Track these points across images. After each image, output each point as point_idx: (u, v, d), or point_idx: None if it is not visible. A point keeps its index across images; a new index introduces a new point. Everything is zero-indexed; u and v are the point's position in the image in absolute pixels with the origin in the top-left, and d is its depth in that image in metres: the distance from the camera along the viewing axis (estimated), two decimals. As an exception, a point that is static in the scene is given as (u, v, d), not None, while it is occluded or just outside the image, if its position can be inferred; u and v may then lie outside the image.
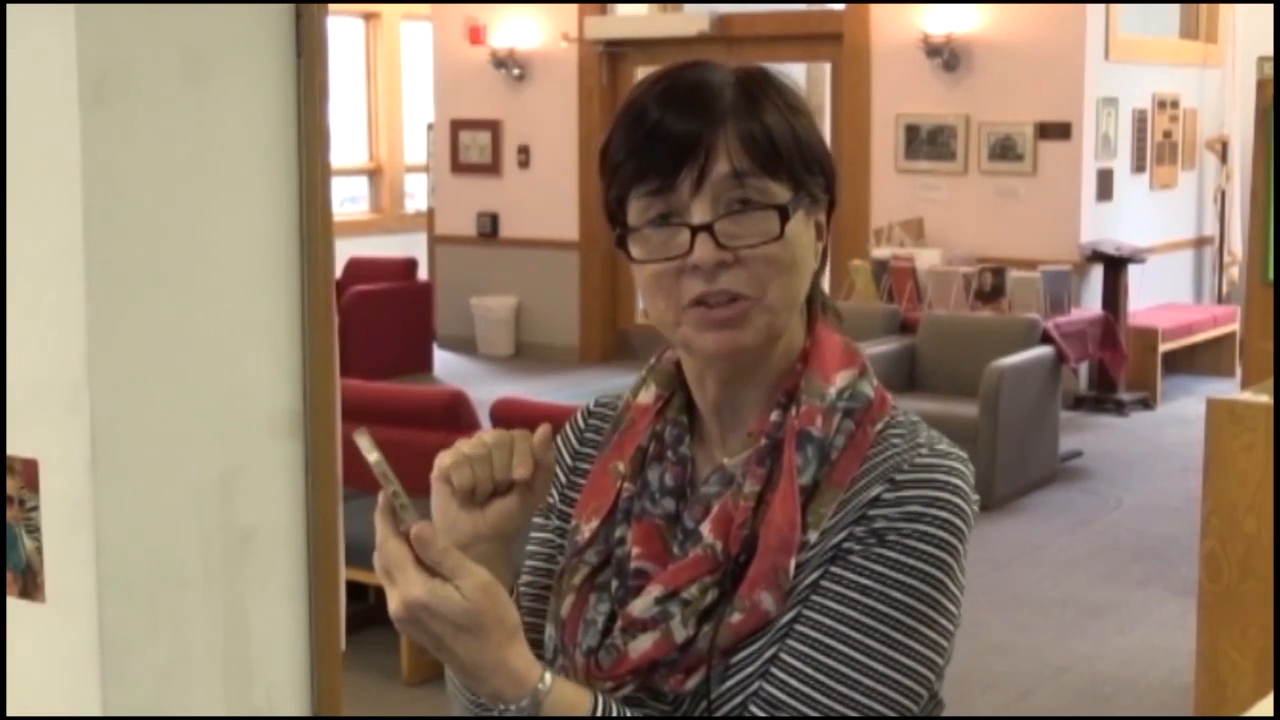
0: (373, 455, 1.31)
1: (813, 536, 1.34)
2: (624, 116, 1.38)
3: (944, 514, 1.33)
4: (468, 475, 1.36)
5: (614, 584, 1.41)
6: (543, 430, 1.39)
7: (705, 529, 1.37)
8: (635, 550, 1.40)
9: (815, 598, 1.33)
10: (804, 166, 1.38)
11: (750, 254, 1.35)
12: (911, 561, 1.32)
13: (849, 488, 1.35)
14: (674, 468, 1.43)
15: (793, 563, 1.33)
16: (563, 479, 1.53)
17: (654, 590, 1.37)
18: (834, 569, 1.33)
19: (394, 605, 1.26)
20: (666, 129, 1.34)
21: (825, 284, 1.51)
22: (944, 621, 1.34)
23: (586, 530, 1.44)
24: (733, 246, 1.34)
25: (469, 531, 1.36)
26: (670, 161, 1.34)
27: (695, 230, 1.34)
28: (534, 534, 1.53)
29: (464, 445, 1.38)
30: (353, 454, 1.36)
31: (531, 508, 1.40)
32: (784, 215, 1.35)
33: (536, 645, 1.43)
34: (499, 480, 1.37)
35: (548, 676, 1.28)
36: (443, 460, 1.37)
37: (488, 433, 1.39)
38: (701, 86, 1.37)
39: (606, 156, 1.40)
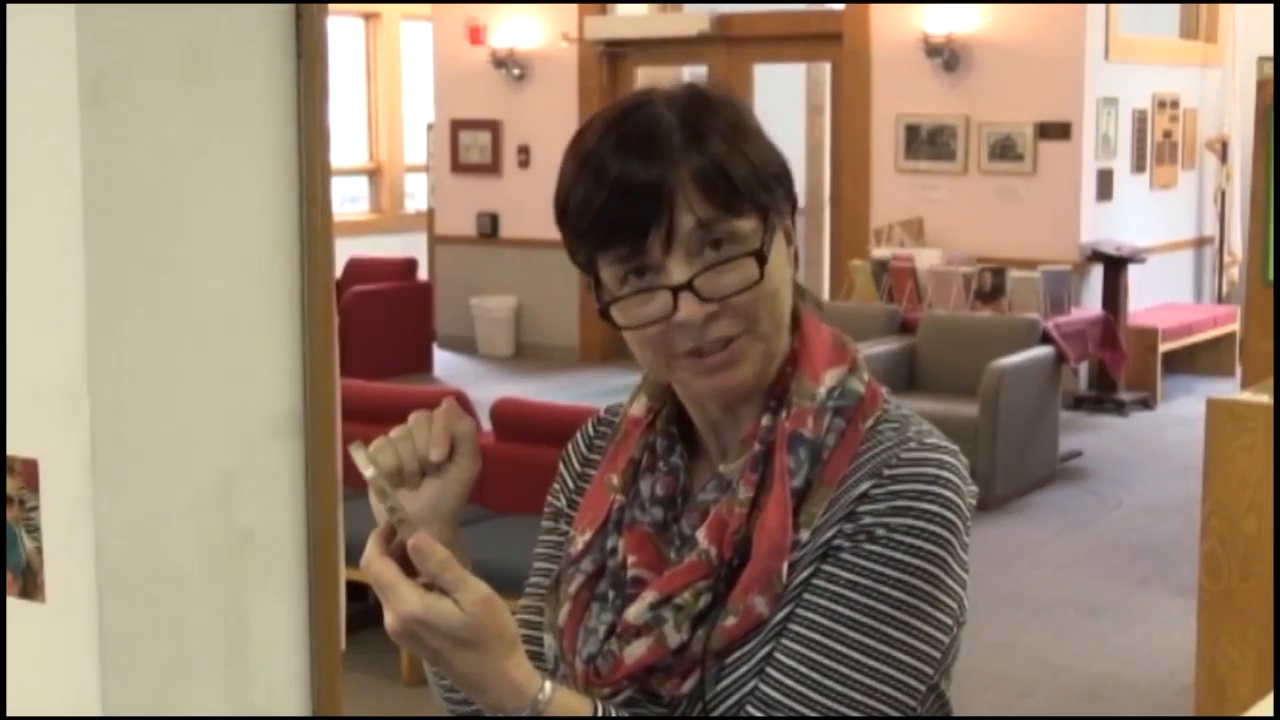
0: (369, 471, 1.31)
1: (804, 535, 1.34)
2: (581, 172, 1.35)
3: (933, 507, 1.33)
4: (391, 456, 1.36)
5: (610, 594, 1.41)
6: (447, 402, 1.40)
7: (700, 535, 1.37)
8: (631, 559, 1.41)
9: (808, 596, 1.33)
10: (764, 189, 1.36)
11: (734, 300, 1.34)
12: (902, 557, 1.31)
13: (839, 485, 1.35)
14: (665, 478, 1.43)
15: (785, 566, 1.33)
16: (571, 485, 1.54)
17: (648, 596, 1.37)
18: (826, 567, 1.33)
19: (389, 620, 1.25)
20: (625, 185, 1.32)
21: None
22: (940, 616, 1.33)
23: (580, 542, 1.45)
24: (717, 297, 1.33)
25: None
26: (635, 223, 1.32)
27: (676, 290, 1.32)
28: (544, 536, 1.54)
29: (393, 431, 1.38)
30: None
31: (466, 483, 1.39)
32: (761, 259, 1.34)
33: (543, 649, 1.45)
34: (425, 460, 1.37)
35: (547, 686, 1.28)
36: (370, 448, 1.37)
37: (413, 414, 1.38)
38: (650, 133, 1.33)
39: (567, 214, 1.37)
